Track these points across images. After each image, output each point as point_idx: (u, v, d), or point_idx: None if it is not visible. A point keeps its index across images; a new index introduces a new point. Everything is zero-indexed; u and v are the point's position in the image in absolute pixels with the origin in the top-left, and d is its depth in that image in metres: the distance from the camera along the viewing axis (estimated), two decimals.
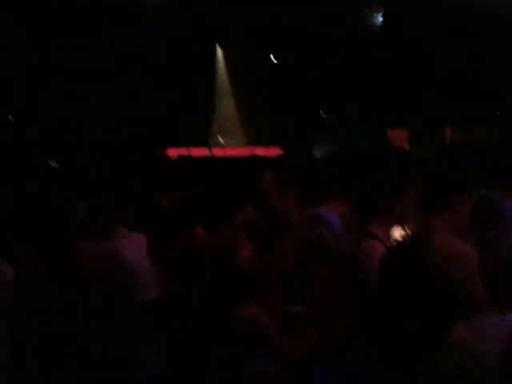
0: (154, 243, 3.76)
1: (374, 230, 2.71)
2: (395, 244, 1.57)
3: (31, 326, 2.73)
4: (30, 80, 12.20)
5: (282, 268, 2.87)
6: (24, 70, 12.20)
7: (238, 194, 4.06)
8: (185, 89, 14.82)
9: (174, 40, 14.73)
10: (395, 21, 13.94)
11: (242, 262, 2.60)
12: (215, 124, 16.90)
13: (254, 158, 6.12)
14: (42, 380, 2.78)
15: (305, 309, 2.73)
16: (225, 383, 2.53)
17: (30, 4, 12.04)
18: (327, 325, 3.17)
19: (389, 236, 2.78)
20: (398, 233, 2.95)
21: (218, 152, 14.87)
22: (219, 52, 17.15)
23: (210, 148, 15.30)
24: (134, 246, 3.28)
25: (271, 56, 16.16)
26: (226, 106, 17.13)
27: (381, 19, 14.22)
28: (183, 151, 12.22)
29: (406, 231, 3.02)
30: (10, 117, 12.65)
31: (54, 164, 8.75)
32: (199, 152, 13.88)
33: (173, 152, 12.48)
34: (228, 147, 15.59)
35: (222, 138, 16.67)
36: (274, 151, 11.67)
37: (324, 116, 15.81)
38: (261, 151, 11.26)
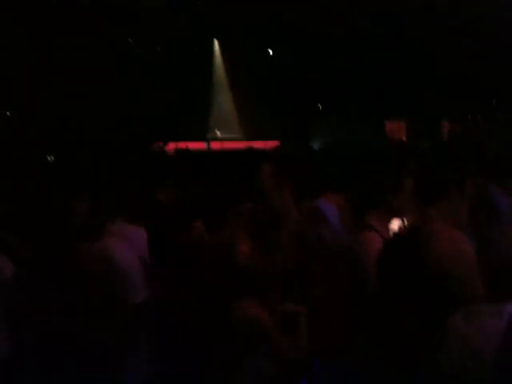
0: (152, 238, 3.77)
1: (372, 222, 2.71)
2: (393, 235, 1.57)
3: (31, 325, 2.73)
4: (30, 80, 12.20)
5: (281, 264, 2.87)
6: (24, 69, 12.19)
7: (238, 193, 4.06)
8: (182, 83, 14.83)
9: (172, 35, 14.73)
10: (395, 20, 13.94)
11: (241, 258, 2.59)
12: (213, 118, 16.91)
13: (251, 152, 6.09)
14: (42, 380, 2.77)
15: (302, 306, 2.71)
16: (224, 383, 2.52)
17: (29, 4, 12.03)
18: (325, 322, 3.17)
19: (387, 228, 2.78)
20: (396, 224, 2.95)
21: (215, 146, 14.82)
22: (216, 45, 17.14)
23: (207, 142, 15.29)
24: (123, 246, 3.17)
25: (268, 50, 16.17)
26: (224, 100, 17.13)
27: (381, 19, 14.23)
28: (181, 145, 12.16)
29: (403, 223, 3.03)
30: (7, 113, 12.64)
31: (50, 159, 8.74)
32: (197, 146, 13.84)
33: (170, 146, 12.43)
34: (226, 141, 15.57)
35: (220, 132, 16.68)
36: (271, 145, 11.63)
37: (321, 109, 15.80)
38: (259, 145, 11.22)
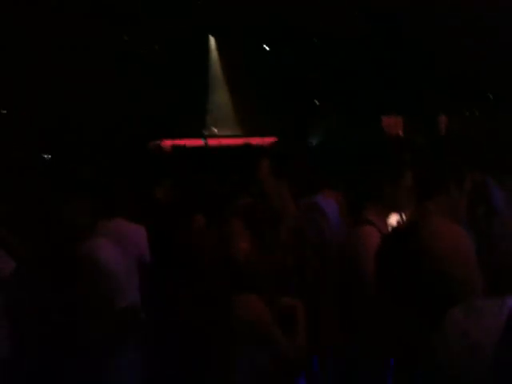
0: (151, 237, 3.77)
1: (370, 217, 2.70)
2: (391, 230, 1.56)
3: (30, 324, 2.72)
4: (29, 80, 12.20)
5: (279, 261, 2.86)
6: (24, 69, 12.20)
7: (237, 190, 4.06)
8: (179, 80, 14.84)
9: (170, 34, 14.75)
10: (395, 20, 13.95)
11: (240, 255, 2.58)
12: (210, 115, 16.91)
13: (248, 148, 6.08)
14: (42, 379, 2.77)
15: (299, 301, 2.71)
16: (223, 383, 2.52)
17: (29, 4, 12.04)
18: (324, 319, 3.17)
19: (385, 223, 2.78)
20: (394, 219, 2.95)
21: (213, 142, 14.80)
22: (212, 41, 17.14)
23: (205, 139, 15.29)
24: (110, 246, 3.06)
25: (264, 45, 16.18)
26: (220, 97, 17.13)
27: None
28: (178, 142, 12.13)
29: (402, 217, 3.03)
30: (4, 111, 12.65)
31: (47, 157, 8.74)
32: (194, 143, 13.81)
33: (167, 143, 12.41)
34: (223, 138, 15.56)
35: (217, 128, 16.68)
36: (269, 141, 11.61)
37: (320, 106, 15.81)
38: (256, 141, 11.19)
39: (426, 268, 1.33)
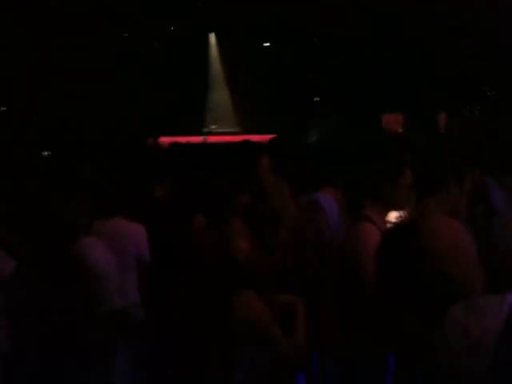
0: (151, 235, 3.77)
1: (369, 215, 2.70)
2: (392, 227, 1.56)
3: (30, 324, 2.72)
4: (29, 80, 12.20)
5: (279, 260, 2.86)
6: (24, 69, 12.20)
7: (236, 188, 4.05)
8: (178, 77, 14.84)
9: (170, 32, 14.76)
10: (395, 20, 13.95)
11: (240, 254, 2.58)
12: (209, 112, 16.90)
13: (248, 145, 6.05)
14: (42, 379, 2.77)
15: (299, 298, 2.70)
16: (223, 383, 2.52)
17: (29, 4, 12.04)
18: (323, 318, 3.17)
19: (384, 220, 2.78)
20: (393, 217, 2.95)
21: (212, 139, 14.77)
22: (212, 38, 17.12)
23: (204, 135, 15.27)
24: (100, 247, 2.98)
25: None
26: (220, 95, 17.12)
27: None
28: (177, 139, 12.08)
29: (402, 215, 3.03)
30: (4, 108, 12.65)
31: (46, 154, 8.73)
32: (192, 139, 13.78)
33: (164, 139, 12.35)
34: (222, 135, 15.53)
35: (216, 125, 16.67)
36: (268, 138, 11.57)
37: (319, 104, 15.80)
38: (255, 138, 11.13)
39: (425, 267, 1.32)
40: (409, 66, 14.12)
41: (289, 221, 3.51)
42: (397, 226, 1.54)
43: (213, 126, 16.67)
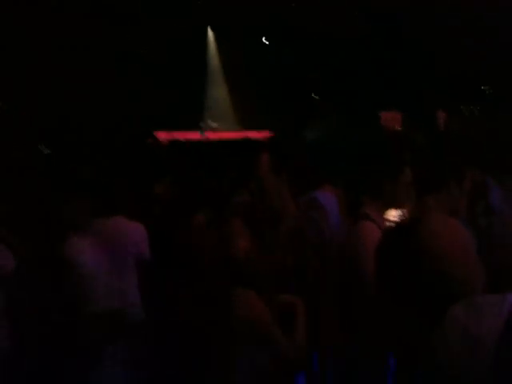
0: (151, 234, 3.77)
1: (369, 213, 2.70)
2: (390, 227, 1.56)
3: (30, 323, 2.72)
4: (29, 80, 12.20)
5: (279, 260, 2.86)
6: (24, 69, 12.20)
7: (235, 187, 4.05)
8: (177, 74, 14.84)
9: (168, 32, 14.74)
10: (395, 20, 13.95)
11: (240, 254, 2.58)
12: (207, 108, 16.88)
13: (247, 142, 6.05)
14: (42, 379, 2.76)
15: (299, 298, 2.70)
16: (223, 383, 2.52)
17: (30, 4, 12.04)
18: (323, 318, 3.17)
19: (383, 217, 2.78)
20: (392, 215, 2.95)
21: (211, 136, 14.74)
22: (210, 34, 17.11)
23: (202, 132, 15.24)
24: (87, 247, 2.87)
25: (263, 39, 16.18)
26: (218, 90, 17.10)
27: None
28: (176, 136, 12.03)
29: (402, 213, 3.03)
30: (4, 107, 12.64)
31: (44, 150, 8.74)
32: (191, 136, 13.73)
33: (165, 137, 12.32)
34: (220, 131, 15.50)
35: (215, 122, 16.65)
36: (267, 135, 11.53)
37: (318, 104, 15.79)
38: (254, 135, 11.09)
39: (425, 267, 1.32)
40: (409, 65, 14.12)
41: (289, 221, 3.51)
42: (397, 225, 1.54)
43: (213, 123, 16.66)
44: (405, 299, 1.35)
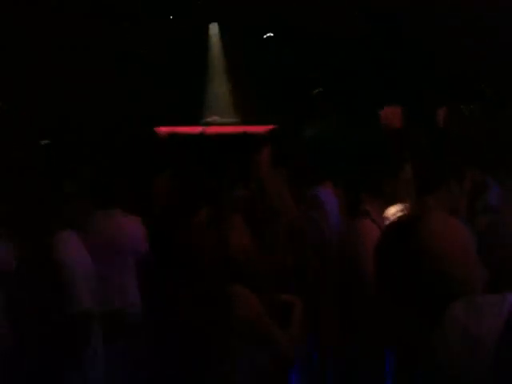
0: (151, 236, 3.77)
1: (369, 210, 2.70)
2: (390, 225, 1.55)
3: (30, 323, 2.72)
4: (29, 80, 12.20)
5: (279, 262, 2.86)
6: (24, 69, 12.20)
7: (235, 182, 4.05)
8: (177, 68, 14.84)
9: (168, 32, 14.75)
10: (395, 20, 13.95)
11: (240, 252, 2.58)
12: (207, 102, 16.88)
13: (247, 136, 6.03)
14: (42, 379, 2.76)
15: (298, 298, 2.70)
16: (223, 383, 2.52)
17: (30, 4, 12.04)
18: (322, 317, 3.17)
19: (383, 215, 2.77)
20: (392, 212, 2.94)
21: (211, 130, 14.69)
22: (212, 29, 17.11)
23: (203, 126, 15.22)
24: (73, 246, 2.75)
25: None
26: (219, 85, 17.10)
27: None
28: (175, 129, 11.96)
29: (401, 210, 3.03)
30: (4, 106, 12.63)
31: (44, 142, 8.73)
32: (191, 130, 13.68)
33: (164, 129, 12.27)
34: (221, 126, 15.48)
35: (215, 116, 16.64)
36: (267, 129, 11.50)
37: (317, 95, 15.78)
38: (254, 129, 11.02)
39: (425, 267, 1.32)
40: (409, 65, 14.12)
41: (288, 216, 3.51)
42: (396, 224, 1.53)
43: (213, 117, 16.65)
44: (405, 299, 1.35)
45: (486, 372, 1.15)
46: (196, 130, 14.08)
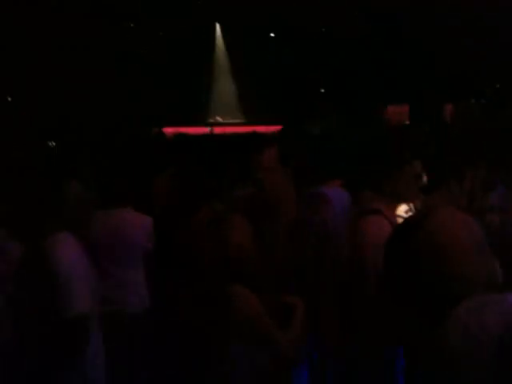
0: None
1: (376, 207, 2.68)
2: (402, 221, 1.54)
3: (30, 323, 2.72)
4: (29, 80, 12.21)
5: (279, 262, 2.86)
6: (24, 69, 12.20)
7: (237, 181, 4.05)
8: (183, 68, 14.86)
9: (168, 32, 14.76)
10: (395, 20, 13.95)
11: (239, 251, 2.57)
12: (213, 103, 16.90)
13: (252, 136, 6.01)
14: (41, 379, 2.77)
15: (299, 298, 2.69)
16: (223, 383, 2.52)
17: (30, 4, 12.04)
18: (322, 317, 3.17)
19: (393, 212, 2.77)
20: (403, 209, 2.95)
21: (217, 130, 14.69)
22: (218, 29, 17.14)
23: (210, 126, 15.22)
24: (68, 248, 2.68)
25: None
26: (225, 85, 17.13)
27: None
28: (182, 130, 11.99)
29: (409, 208, 3.03)
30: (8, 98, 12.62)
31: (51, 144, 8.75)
32: (196, 130, 13.69)
33: (170, 130, 12.28)
34: (227, 126, 15.50)
35: (221, 116, 16.66)
36: (273, 130, 11.50)
37: (318, 104, 15.77)
38: (260, 129, 11.05)
39: (425, 267, 1.32)
40: (409, 65, 14.13)
41: (289, 220, 3.50)
42: (403, 222, 1.52)
43: (218, 117, 16.66)
44: (405, 299, 1.35)
45: (486, 372, 1.15)
46: (204, 130, 14.10)
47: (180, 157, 5.16)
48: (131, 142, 7.57)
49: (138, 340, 3.67)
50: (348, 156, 3.88)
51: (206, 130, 14.39)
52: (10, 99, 12.33)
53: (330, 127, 12.89)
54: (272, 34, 16.33)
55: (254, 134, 6.06)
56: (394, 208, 2.83)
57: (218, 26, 17.05)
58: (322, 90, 16.32)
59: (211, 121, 16.33)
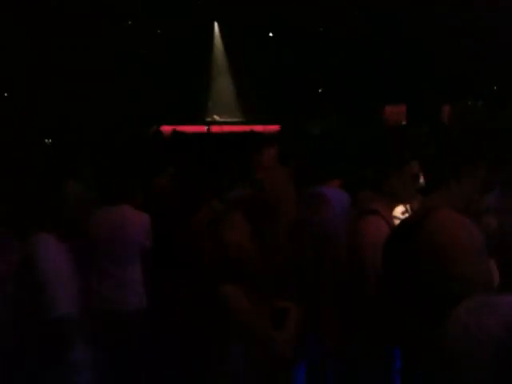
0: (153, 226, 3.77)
1: (374, 208, 2.68)
2: (400, 222, 1.54)
3: (30, 323, 2.72)
4: (29, 80, 12.21)
5: (279, 262, 2.85)
6: (24, 69, 12.20)
7: (235, 180, 4.05)
8: (181, 67, 14.85)
9: (168, 32, 14.76)
10: (395, 20, 13.96)
11: (240, 250, 2.57)
12: (211, 102, 16.90)
13: (251, 135, 6.01)
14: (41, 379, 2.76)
15: (292, 302, 2.69)
16: (223, 382, 2.52)
17: (30, 4, 12.05)
18: (322, 317, 3.17)
19: (391, 213, 2.77)
20: (400, 211, 2.94)
21: (215, 129, 14.68)
22: (216, 28, 17.15)
23: (207, 125, 15.23)
24: (52, 247, 2.64)
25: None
26: (223, 84, 17.13)
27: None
28: (180, 128, 12.00)
29: (406, 209, 3.03)
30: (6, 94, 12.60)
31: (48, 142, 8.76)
32: (195, 129, 13.67)
33: (168, 128, 12.27)
34: (225, 125, 15.50)
35: (219, 115, 16.66)
36: (271, 129, 11.49)
37: (318, 104, 15.77)
38: (258, 129, 11.06)
39: (425, 267, 1.32)
40: (409, 65, 14.13)
41: (289, 220, 3.49)
42: (402, 223, 1.53)
43: (215, 116, 16.66)
44: (405, 299, 1.35)
45: (486, 372, 1.15)
46: (201, 129, 14.08)
47: (179, 156, 5.15)
48: (131, 142, 7.57)
49: (138, 339, 3.67)
50: (348, 156, 3.88)
51: (203, 128, 14.38)
52: (9, 99, 12.33)
53: (330, 127, 12.89)
54: (271, 34, 16.33)
55: (254, 133, 6.04)
56: (393, 208, 2.83)
57: (216, 25, 17.06)
58: (320, 90, 16.33)
59: (209, 120, 16.33)
